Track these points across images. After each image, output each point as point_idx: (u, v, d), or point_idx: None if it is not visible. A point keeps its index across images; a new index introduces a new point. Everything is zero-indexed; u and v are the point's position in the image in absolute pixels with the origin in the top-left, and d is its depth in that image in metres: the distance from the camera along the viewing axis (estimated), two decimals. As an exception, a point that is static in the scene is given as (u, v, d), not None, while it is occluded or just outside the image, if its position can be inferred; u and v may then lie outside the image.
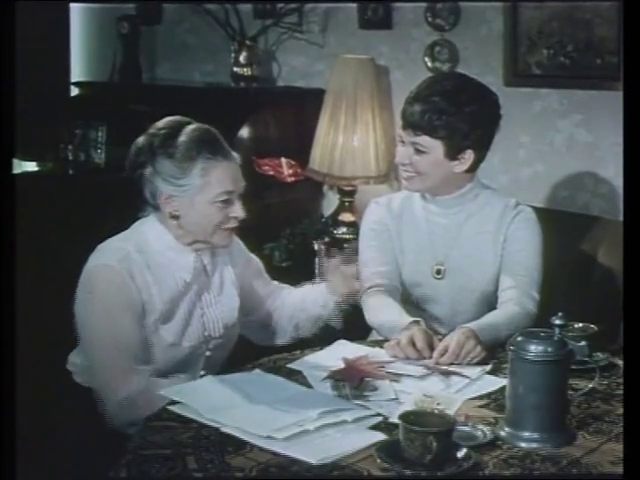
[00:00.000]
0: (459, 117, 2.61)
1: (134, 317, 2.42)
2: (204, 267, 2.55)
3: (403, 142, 2.70)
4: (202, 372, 2.52)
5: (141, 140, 2.50)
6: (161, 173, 2.44)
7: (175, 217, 2.47)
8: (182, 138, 2.45)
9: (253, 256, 2.76)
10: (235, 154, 2.53)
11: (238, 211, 2.49)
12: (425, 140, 2.64)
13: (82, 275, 2.47)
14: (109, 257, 2.44)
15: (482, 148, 2.70)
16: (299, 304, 2.73)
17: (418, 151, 2.66)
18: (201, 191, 2.44)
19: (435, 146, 2.64)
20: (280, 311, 2.76)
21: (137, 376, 2.38)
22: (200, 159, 2.43)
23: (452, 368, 2.35)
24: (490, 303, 2.73)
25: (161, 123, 2.51)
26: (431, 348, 2.41)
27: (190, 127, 2.48)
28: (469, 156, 2.67)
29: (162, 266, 2.48)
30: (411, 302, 2.79)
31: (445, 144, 2.64)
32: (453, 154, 2.66)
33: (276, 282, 2.81)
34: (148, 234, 2.50)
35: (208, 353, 2.56)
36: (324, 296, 2.69)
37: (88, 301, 2.44)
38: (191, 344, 2.52)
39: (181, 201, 2.45)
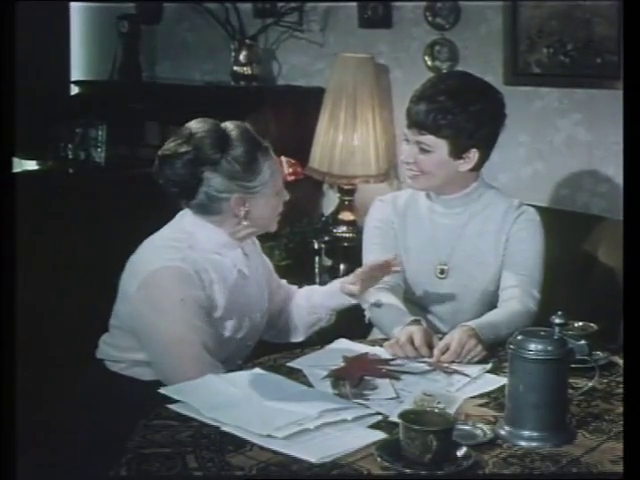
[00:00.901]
0: (464, 116, 2.61)
1: (207, 314, 2.42)
2: (247, 257, 2.56)
3: (408, 141, 2.70)
4: (239, 362, 2.51)
5: (180, 149, 2.44)
6: (227, 178, 2.44)
7: (245, 217, 2.49)
8: (235, 141, 2.46)
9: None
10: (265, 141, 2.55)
11: (286, 194, 2.57)
12: (430, 139, 2.64)
13: (143, 276, 2.41)
14: (170, 257, 2.41)
15: (487, 147, 2.70)
16: (307, 305, 2.72)
17: (423, 150, 2.66)
18: (269, 186, 2.49)
19: (440, 145, 2.64)
20: (291, 309, 2.75)
21: (220, 371, 2.36)
22: (261, 157, 2.47)
23: (453, 366, 2.35)
24: (491, 302, 2.73)
25: (196, 129, 2.47)
26: (430, 347, 2.41)
27: (229, 127, 2.49)
28: (474, 155, 2.67)
29: (219, 263, 2.48)
30: (413, 301, 2.79)
31: (450, 143, 2.64)
32: (458, 153, 2.66)
33: (284, 280, 2.82)
34: (196, 233, 2.49)
35: (250, 343, 2.58)
36: (333, 298, 2.67)
37: (160, 304, 2.39)
38: (242, 335, 2.53)
39: (253, 200, 2.48)
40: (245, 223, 2.50)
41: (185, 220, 2.52)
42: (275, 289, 2.74)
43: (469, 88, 2.67)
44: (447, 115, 2.61)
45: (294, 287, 2.82)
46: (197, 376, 2.27)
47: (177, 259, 2.40)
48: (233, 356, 2.51)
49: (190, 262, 2.41)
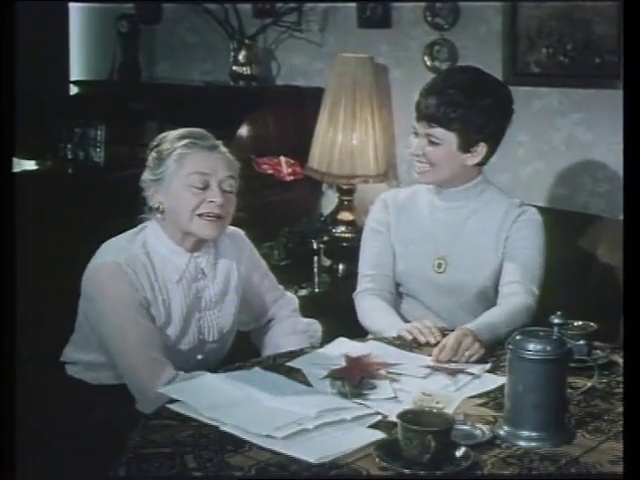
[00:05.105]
0: (474, 110, 2.64)
1: (147, 314, 2.43)
2: (201, 270, 2.54)
3: (417, 134, 2.72)
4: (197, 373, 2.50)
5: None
6: (146, 170, 2.52)
7: (160, 211, 2.49)
8: (169, 136, 2.52)
9: (263, 262, 2.75)
10: (222, 147, 2.53)
11: (214, 195, 2.46)
12: (439, 132, 2.66)
13: (88, 272, 2.46)
14: (117, 255, 2.44)
15: (494, 142, 2.73)
16: (291, 330, 2.72)
17: (432, 142, 2.68)
18: (175, 175, 2.46)
19: (449, 138, 2.66)
20: (277, 325, 2.74)
21: (167, 368, 2.38)
22: (178, 149, 2.47)
23: (454, 366, 2.35)
24: (488, 298, 2.74)
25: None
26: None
27: (179, 132, 2.52)
28: (482, 149, 2.69)
29: (162, 267, 2.49)
30: (410, 295, 2.80)
31: (459, 136, 2.66)
32: (466, 147, 2.68)
33: (281, 287, 2.81)
34: (149, 236, 2.51)
35: (200, 357, 2.56)
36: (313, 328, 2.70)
37: (101, 298, 2.43)
38: (187, 347, 2.52)
39: (161, 189, 2.48)
40: (162, 217, 2.49)
41: (148, 223, 2.54)
42: (267, 299, 2.74)
43: (479, 83, 2.70)
44: (457, 108, 2.63)
45: (288, 294, 2.82)
46: (148, 372, 2.34)
47: (121, 257, 2.43)
48: (180, 368, 2.44)
49: (134, 261, 2.44)
